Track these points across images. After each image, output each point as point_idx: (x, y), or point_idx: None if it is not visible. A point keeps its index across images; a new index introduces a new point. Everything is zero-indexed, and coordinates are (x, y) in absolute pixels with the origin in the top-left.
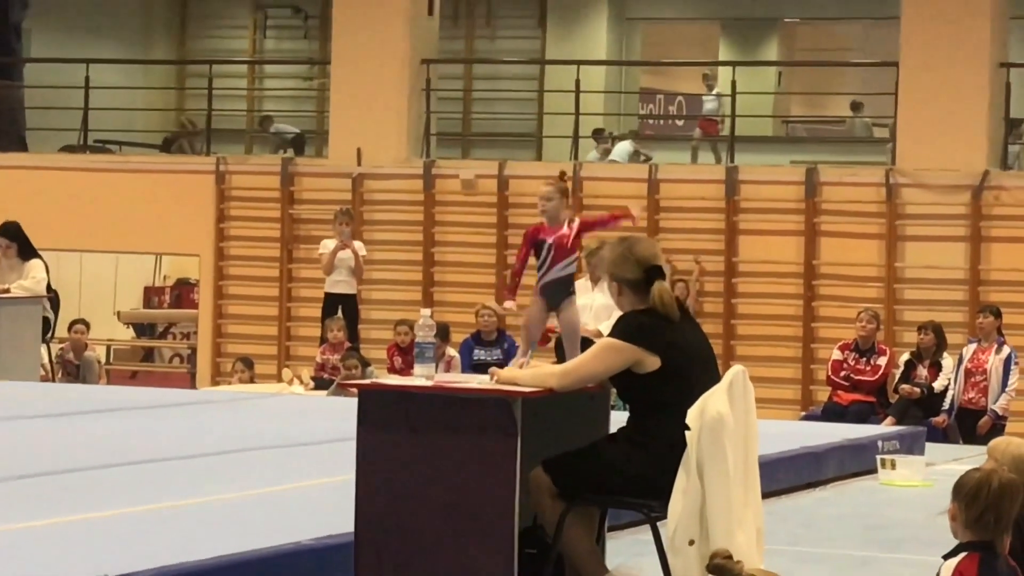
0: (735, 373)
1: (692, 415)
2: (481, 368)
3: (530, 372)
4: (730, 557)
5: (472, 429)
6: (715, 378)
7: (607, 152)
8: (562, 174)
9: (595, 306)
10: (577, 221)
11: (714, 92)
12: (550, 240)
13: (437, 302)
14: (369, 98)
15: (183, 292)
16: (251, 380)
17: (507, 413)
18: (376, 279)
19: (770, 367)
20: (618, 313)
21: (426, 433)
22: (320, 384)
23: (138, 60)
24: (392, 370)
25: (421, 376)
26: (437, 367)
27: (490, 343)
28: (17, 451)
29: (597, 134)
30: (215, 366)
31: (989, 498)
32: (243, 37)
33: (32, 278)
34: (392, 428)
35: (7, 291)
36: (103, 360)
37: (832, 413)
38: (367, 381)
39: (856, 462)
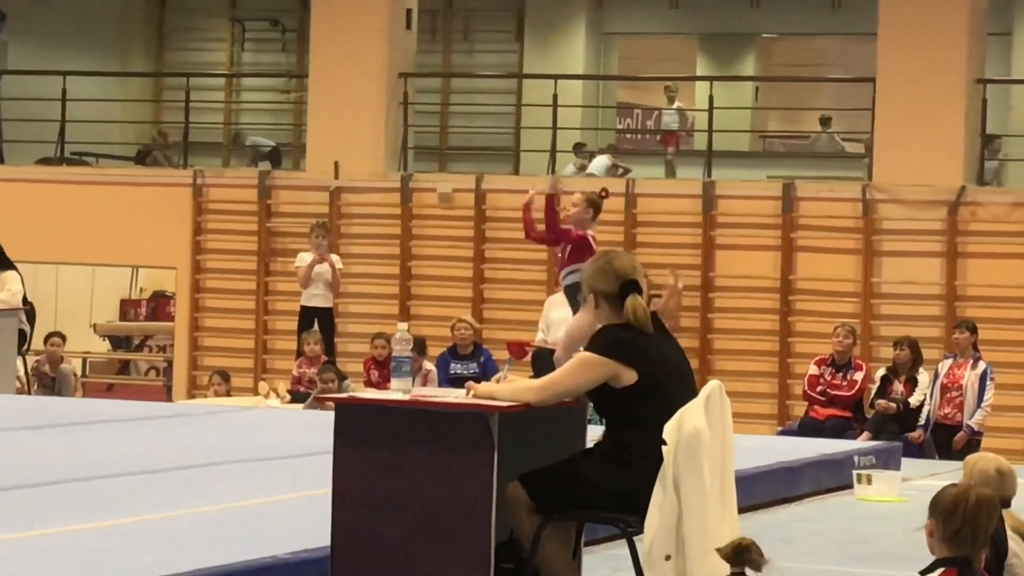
0: (712, 388)
1: (669, 430)
2: (458, 382)
3: (507, 387)
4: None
5: (449, 443)
6: (692, 393)
7: (584, 167)
8: (604, 190)
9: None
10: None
11: (675, 106)
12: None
13: (414, 316)
14: (347, 111)
15: (159, 305)
16: (227, 393)
17: (484, 427)
18: (353, 292)
19: (747, 382)
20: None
21: (403, 447)
22: (297, 397)
23: (115, 72)
24: (369, 383)
25: (398, 390)
26: (414, 381)
27: (466, 357)
28: None
29: (578, 148)
30: (191, 379)
31: (966, 514)
32: (221, 50)
33: (8, 290)
34: (369, 442)
35: None
36: (79, 373)
37: (808, 428)
38: (344, 395)
39: (832, 477)
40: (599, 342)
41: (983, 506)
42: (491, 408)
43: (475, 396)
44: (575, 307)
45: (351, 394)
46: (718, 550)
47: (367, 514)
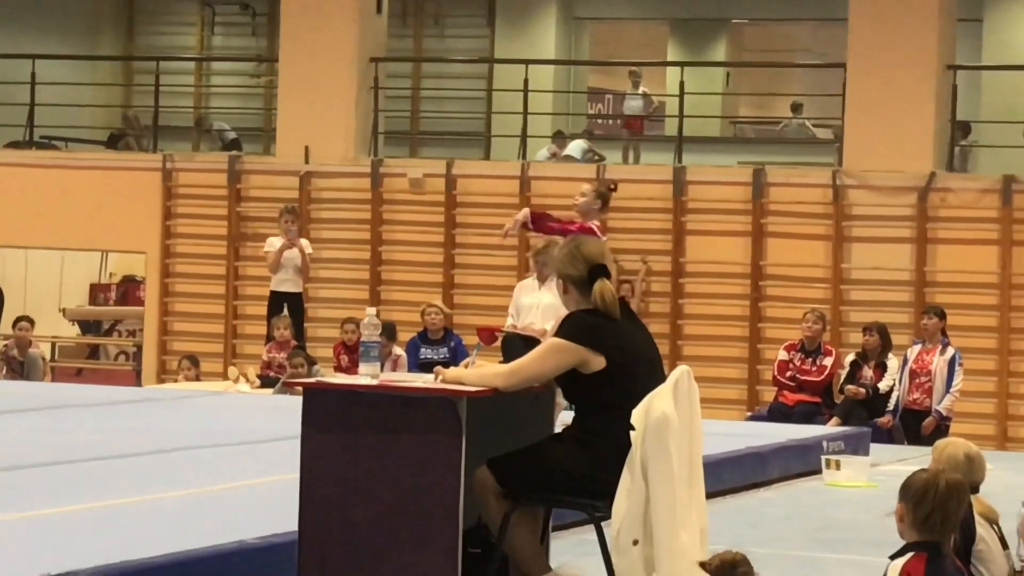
0: (680, 373)
1: (637, 415)
2: (428, 367)
3: (476, 371)
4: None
5: (417, 428)
6: (660, 378)
7: (555, 154)
8: (613, 183)
9: (542, 305)
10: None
11: (640, 91)
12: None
13: (384, 301)
14: (317, 96)
15: (129, 289)
16: (197, 378)
17: (452, 412)
18: (323, 277)
19: (717, 367)
20: (564, 312)
21: (371, 432)
22: (266, 382)
23: (85, 56)
24: (338, 368)
25: (366, 375)
26: (383, 366)
27: (436, 342)
28: None
29: (557, 136)
30: (161, 364)
31: (936, 499)
32: (191, 34)
33: None
34: (337, 427)
35: None
36: (48, 357)
37: (778, 413)
38: (312, 380)
39: (801, 462)
40: (567, 328)
41: (953, 491)
42: (459, 393)
43: (443, 381)
44: None
45: (319, 379)
46: (703, 565)
47: (335, 499)
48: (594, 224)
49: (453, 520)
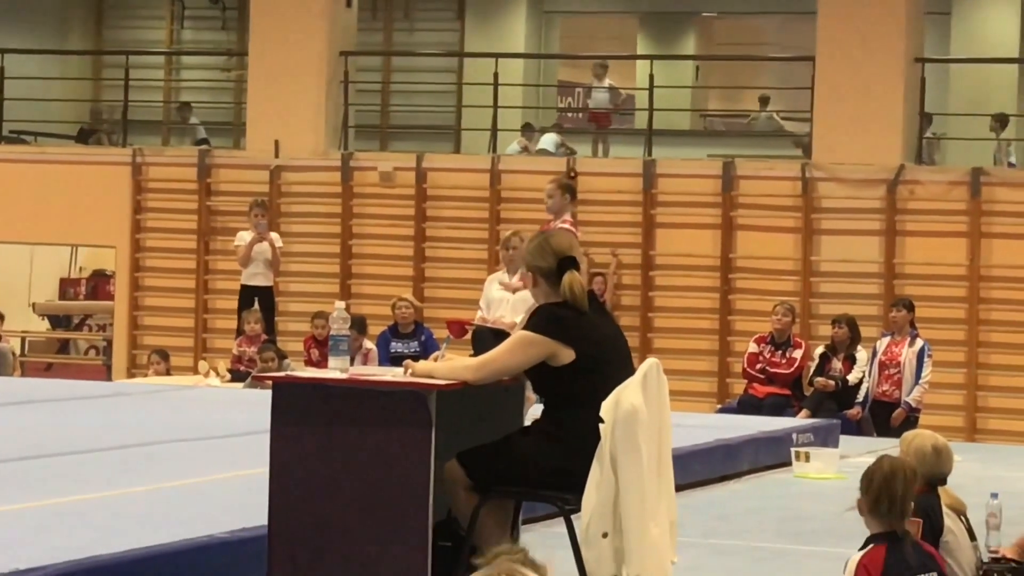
0: (649, 366)
1: (606, 408)
2: (398, 360)
3: (445, 365)
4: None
5: (387, 422)
6: (629, 371)
7: (527, 149)
8: (572, 171)
9: (512, 299)
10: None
11: (605, 84)
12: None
13: (355, 294)
14: (287, 90)
15: (99, 284)
16: (167, 372)
17: (422, 406)
18: (293, 271)
19: (687, 360)
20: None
21: (340, 426)
22: (236, 376)
23: (54, 50)
24: (309, 363)
25: (336, 369)
26: (354, 360)
27: (407, 335)
28: None
29: (526, 129)
30: (131, 358)
31: (881, 481)
32: (160, 28)
33: None
34: (306, 421)
35: None
36: (17, 352)
37: (748, 406)
38: (281, 374)
39: (771, 455)
40: (536, 321)
41: (897, 472)
42: (429, 386)
43: (413, 374)
44: None
45: (289, 373)
46: None
47: (305, 493)
48: (567, 221)
49: (423, 513)
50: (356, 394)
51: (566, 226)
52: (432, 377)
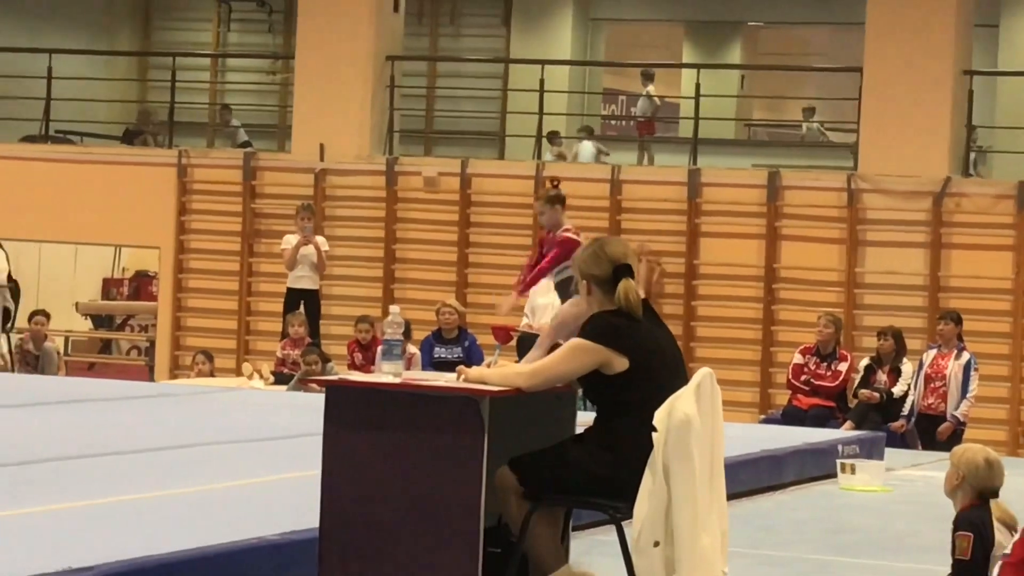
0: (703, 375)
1: (659, 417)
2: (442, 366)
3: (498, 371)
4: None
5: (439, 427)
6: (683, 380)
7: (562, 155)
8: (552, 179)
9: (557, 305)
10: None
11: (646, 91)
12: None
13: (398, 299)
14: (333, 93)
15: (141, 284)
16: (211, 373)
17: (474, 412)
18: (337, 275)
19: (729, 370)
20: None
21: (393, 430)
22: (280, 379)
23: (101, 51)
24: (352, 366)
25: (389, 373)
26: None
27: (451, 341)
28: None
29: (552, 136)
30: (173, 359)
31: None
32: (207, 30)
33: None
34: (359, 425)
35: None
36: (61, 351)
37: (792, 417)
38: (334, 377)
39: (816, 466)
40: (591, 328)
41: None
42: (482, 392)
43: (466, 380)
44: (566, 299)
45: (342, 377)
46: None
47: (356, 497)
48: (568, 230)
49: (474, 519)
50: (409, 399)
51: (569, 234)
52: (485, 383)
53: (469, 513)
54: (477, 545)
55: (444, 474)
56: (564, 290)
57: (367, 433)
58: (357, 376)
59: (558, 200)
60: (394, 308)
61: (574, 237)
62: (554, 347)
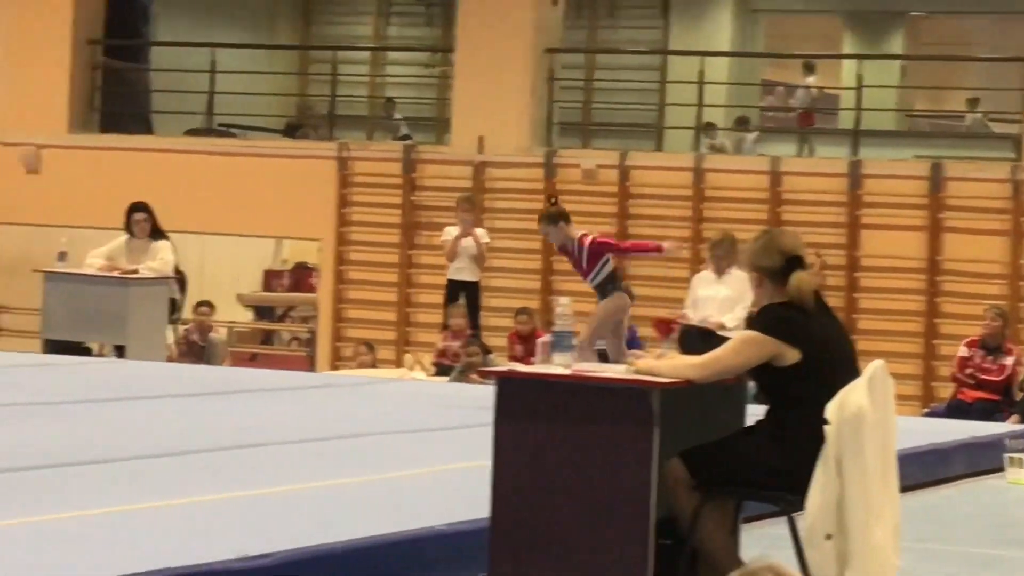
0: (875, 368)
1: (831, 409)
2: (603, 357)
3: (668, 363)
4: None
5: (609, 419)
6: (854, 372)
7: (715, 148)
8: (548, 197)
9: (719, 298)
10: (589, 237)
11: (807, 82)
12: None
13: (556, 291)
14: (492, 86)
15: (302, 276)
16: (373, 364)
17: (645, 403)
18: (497, 267)
19: (892, 362)
20: (741, 305)
21: (563, 422)
22: (441, 370)
23: (263, 45)
24: (513, 358)
25: (559, 364)
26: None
27: None
28: (146, 431)
29: (708, 128)
30: (334, 350)
31: None
32: (366, 24)
33: (160, 259)
34: (529, 416)
35: (135, 272)
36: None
37: (956, 410)
38: (504, 368)
39: (983, 460)
40: (762, 320)
41: None
42: (652, 384)
43: (636, 372)
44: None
45: (511, 368)
46: None
47: (526, 487)
48: (587, 235)
49: (644, 511)
50: (579, 390)
51: (593, 237)
52: (656, 375)
53: (639, 505)
54: (647, 537)
55: (614, 465)
56: (603, 291)
57: (537, 424)
58: (527, 367)
59: (560, 217)
60: (563, 299)
61: (603, 240)
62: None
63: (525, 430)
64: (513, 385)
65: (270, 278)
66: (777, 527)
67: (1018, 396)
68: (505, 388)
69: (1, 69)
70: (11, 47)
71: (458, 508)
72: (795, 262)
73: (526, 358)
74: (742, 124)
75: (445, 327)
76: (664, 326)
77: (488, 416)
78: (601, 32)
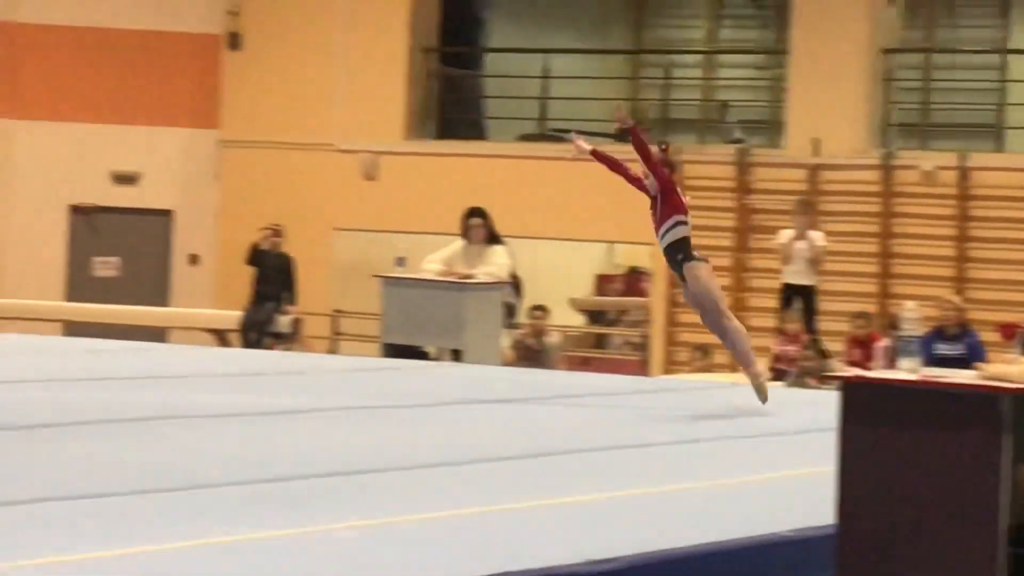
0: None
1: None
2: (944, 363)
3: (1020, 368)
4: None
5: (957, 424)
6: None
7: None
8: (663, 143)
9: None
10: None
11: None
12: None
13: (893, 295)
14: (827, 88)
15: (634, 280)
16: (707, 369)
17: (994, 409)
18: (833, 271)
19: None
20: None
21: (910, 427)
22: (777, 375)
23: (595, 50)
24: (850, 363)
25: (906, 369)
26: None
27: (952, 338)
28: (488, 434)
29: None
30: (667, 354)
31: None
32: (699, 27)
33: (497, 264)
34: (876, 421)
35: (471, 277)
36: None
37: None
38: (851, 374)
39: None
40: None
41: None
42: (1003, 390)
43: (986, 377)
44: (675, 267)
45: (858, 373)
46: None
47: (873, 494)
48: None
49: (993, 519)
50: (926, 395)
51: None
52: (1006, 380)
53: (987, 513)
54: (995, 546)
55: (962, 472)
56: (673, 254)
57: (884, 429)
58: (875, 373)
59: (665, 164)
60: (910, 304)
61: (677, 190)
62: None
63: (871, 435)
64: (860, 390)
65: (603, 282)
66: None
67: None
68: (851, 393)
69: (340, 79)
70: (350, 57)
71: (802, 514)
72: None
73: (863, 363)
74: None
75: (780, 331)
76: (1008, 330)
77: (823, 421)
78: (940, 31)
